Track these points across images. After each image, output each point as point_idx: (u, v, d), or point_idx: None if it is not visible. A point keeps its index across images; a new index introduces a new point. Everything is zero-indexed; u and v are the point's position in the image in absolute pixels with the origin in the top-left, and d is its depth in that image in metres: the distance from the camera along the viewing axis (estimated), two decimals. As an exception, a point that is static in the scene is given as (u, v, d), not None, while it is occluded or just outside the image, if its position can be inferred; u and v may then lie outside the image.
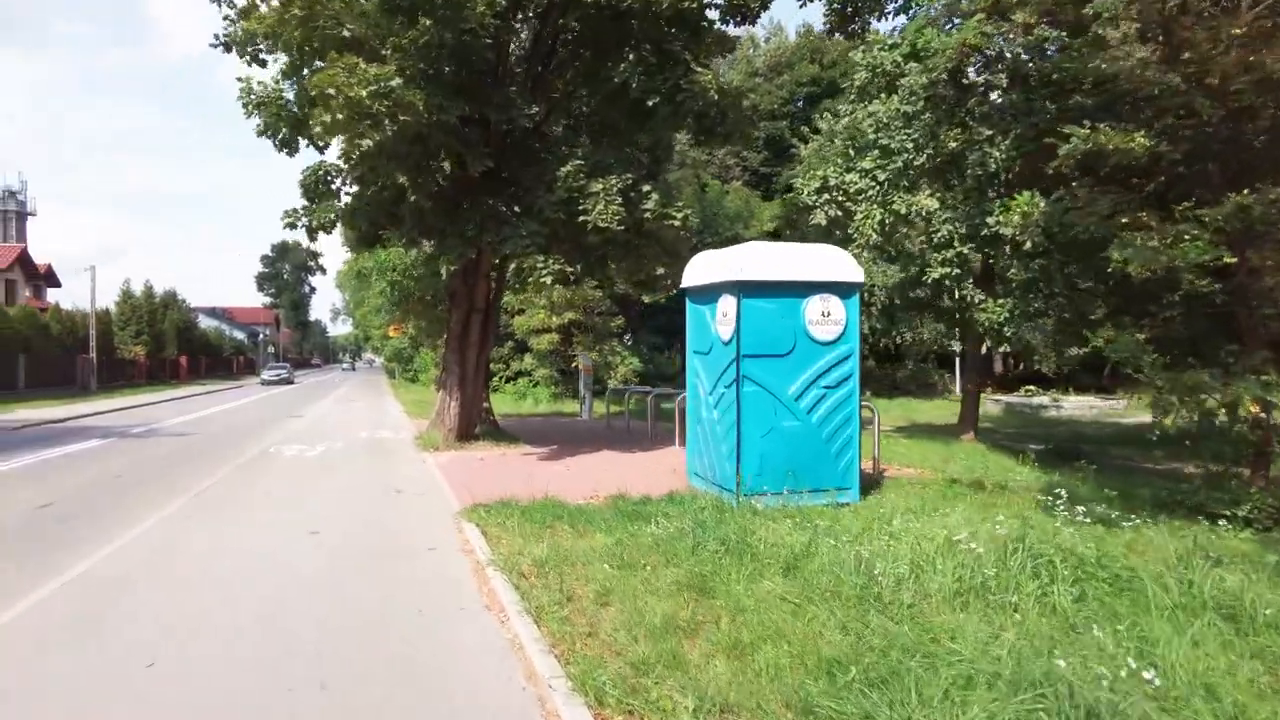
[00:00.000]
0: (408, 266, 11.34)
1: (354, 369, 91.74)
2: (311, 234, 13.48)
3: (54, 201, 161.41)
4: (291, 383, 47.99)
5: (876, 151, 12.71)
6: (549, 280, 10.31)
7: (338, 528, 6.97)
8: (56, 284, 45.71)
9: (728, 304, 7.56)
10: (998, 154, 10.74)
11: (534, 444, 13.49)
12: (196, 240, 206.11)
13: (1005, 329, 11.18)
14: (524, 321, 26.34)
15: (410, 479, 9.86)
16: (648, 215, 11.10)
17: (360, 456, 12.32)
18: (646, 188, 11.23)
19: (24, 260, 41.00)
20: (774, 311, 7.46)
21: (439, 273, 11.94)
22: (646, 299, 30.30)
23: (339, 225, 13.44)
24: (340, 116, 8.82)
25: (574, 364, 27.25)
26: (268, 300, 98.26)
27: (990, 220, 10.48)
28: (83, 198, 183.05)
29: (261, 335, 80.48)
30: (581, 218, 10.51)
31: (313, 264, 47.54)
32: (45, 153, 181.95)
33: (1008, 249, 11.01)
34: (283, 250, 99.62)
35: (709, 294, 7.95)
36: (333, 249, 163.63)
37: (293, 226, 13.46)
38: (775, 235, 32.99)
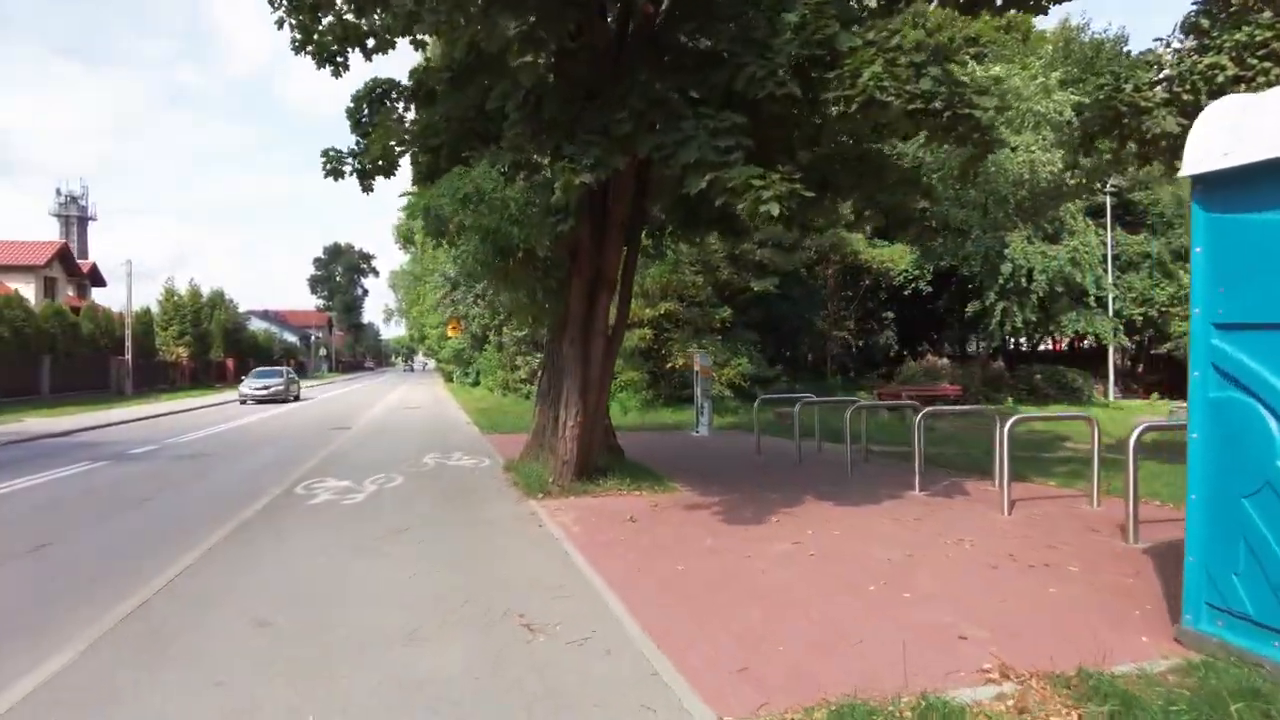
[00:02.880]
0: (506, 202, 6.76)
1: (412, 369, 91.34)
2: (365, 179, 9.38)
3: (132, 213, 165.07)
4: (288, 401, 28.21)
5: (1269, 12, 7.72)
6: (775, 211, 5.58)
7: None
8: (102, 283, 43.24)
9: None
10: None
11: (686, 483, 8.82)
12: (264, 247, 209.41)
13: None
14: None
15: (536, 580, 5.17)
16: (919, 103, 6.31)
17: (432, 509, 7.81)
18: (920, 57, 6.46)
19: (64, 257, 38.35)
20: None
21: (549, 210, 7.39)
22: (755, 286, 25.53)
23: (404, 155, 9.16)
24: None
25: (669, 365, 22.68)
26: (320, 303, 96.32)
27: None
28: (160, 207, 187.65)
29: (314, 338, 78.25)
30: (832, 93, 5.81)
31: (365, 265, 44.31)
32: (120, 163, 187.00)
33: None
34: (335, 252, 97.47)
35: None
36: (387, 249, 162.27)
37: (337, 173, 9.36)
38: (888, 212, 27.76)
